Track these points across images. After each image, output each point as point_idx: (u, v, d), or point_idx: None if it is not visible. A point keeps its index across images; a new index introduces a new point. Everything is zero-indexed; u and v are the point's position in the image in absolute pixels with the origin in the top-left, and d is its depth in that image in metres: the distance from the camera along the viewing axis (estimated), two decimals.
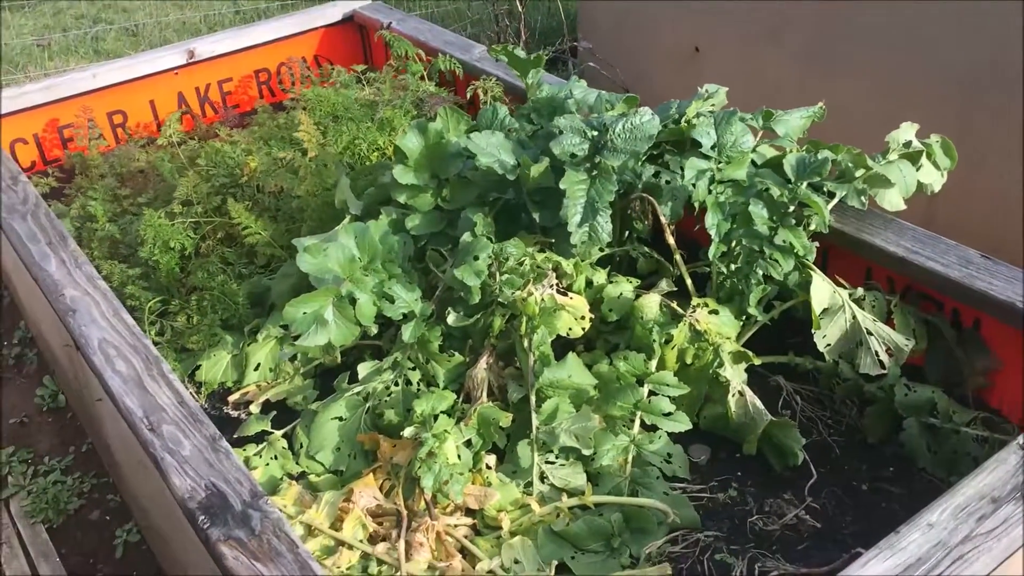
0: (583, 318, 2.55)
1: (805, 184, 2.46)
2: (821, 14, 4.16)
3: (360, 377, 2.67)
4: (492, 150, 2.54)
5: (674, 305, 2.58)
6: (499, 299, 2.49)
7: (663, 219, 2.63)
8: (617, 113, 2.52)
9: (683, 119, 2.87)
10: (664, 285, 2.69)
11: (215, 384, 2.87)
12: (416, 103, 3.74)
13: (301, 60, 4.67)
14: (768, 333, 2.70)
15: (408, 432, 2.37)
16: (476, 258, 2.49)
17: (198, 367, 2.90)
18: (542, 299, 2.47)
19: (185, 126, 4.39)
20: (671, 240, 2.65)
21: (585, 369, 2.47)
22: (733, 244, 2.55)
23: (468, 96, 3.71)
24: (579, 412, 2.39)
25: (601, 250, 2.77)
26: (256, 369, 2.85)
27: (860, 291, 2.57)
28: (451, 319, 2.53)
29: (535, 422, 2.38)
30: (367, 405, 2.59)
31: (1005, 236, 3.66)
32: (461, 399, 2.58)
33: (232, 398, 2.84)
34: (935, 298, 2.60)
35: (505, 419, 2.40)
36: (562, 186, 2.41)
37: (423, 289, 2.71)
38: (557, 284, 2.59)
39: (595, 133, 2.44)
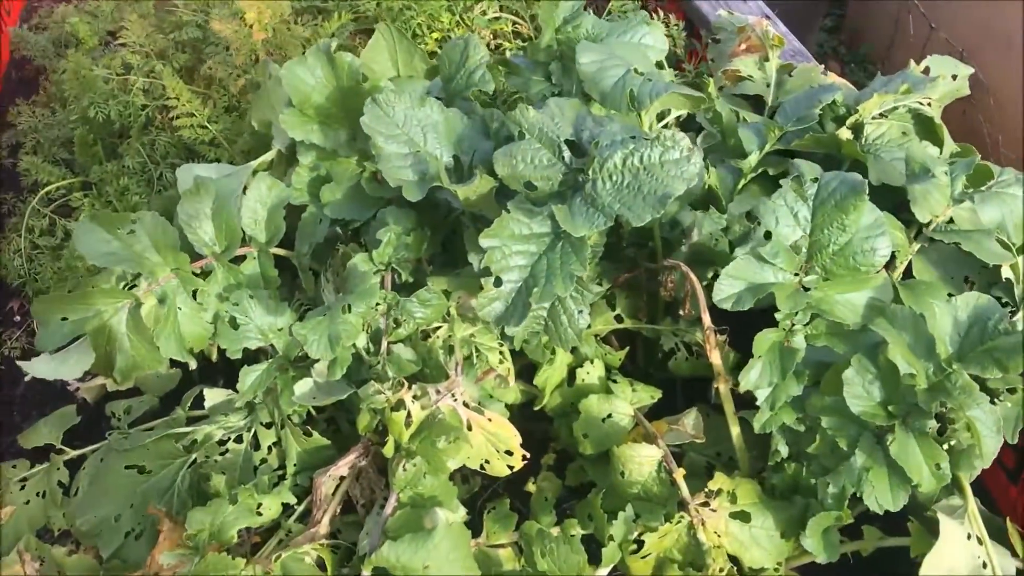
0: (509, 453, 1.47)
1: (969, 369, 1.16)
2: None
3: (207, 406, 1.77)
4: (412, 131, 1.39)
5: (679, 475, 1.42)
6: (366, 395, 1.45)
7: (705, 317, 1.43)
8: (623, 130, 1.25)
9: (847, 122, 1.58)
10: (690, 422, 1.51)
11: None
12: None
13: None
14: None
15: (165, 562, 1.47)
16: (348, 308, 1.44)
17: None
18: (432, 413, 1.41)
19: None
20: (716, 359, 1.45)
21: (464, 551, 1.40)
22: (808, 414, 1.33)
23: None
24: None
25: (619, 318, 1.63)
26: None
27: None
28: (300, 390, 1.53)
29: None
30: (191, 458, 1.69)
31: None
32: (307, 503, 1.63)
33: None
34: None
35: None
36: (483, 242, 1.26)
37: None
38: (485, 374, 1.51)
39: (574, 158, 1.23)
